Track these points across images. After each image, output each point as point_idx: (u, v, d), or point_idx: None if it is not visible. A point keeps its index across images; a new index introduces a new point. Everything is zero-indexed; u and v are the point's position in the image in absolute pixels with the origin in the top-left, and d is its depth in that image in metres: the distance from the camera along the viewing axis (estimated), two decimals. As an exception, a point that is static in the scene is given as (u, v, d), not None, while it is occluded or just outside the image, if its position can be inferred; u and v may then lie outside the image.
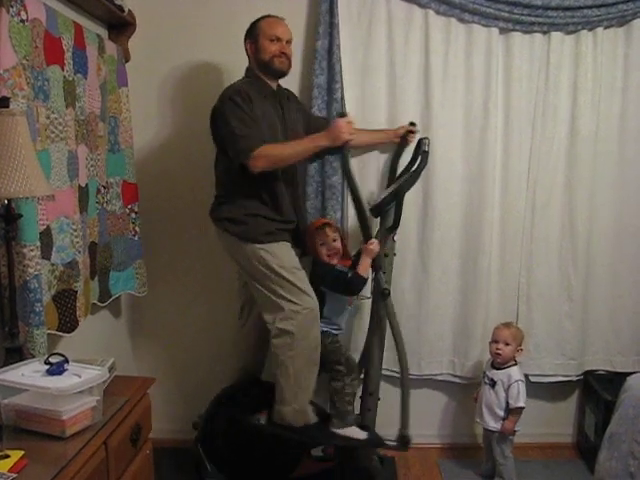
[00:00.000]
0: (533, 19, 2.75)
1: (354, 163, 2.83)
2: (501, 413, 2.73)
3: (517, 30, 2.79)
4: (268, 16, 2.47)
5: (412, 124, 2.74)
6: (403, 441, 2.56)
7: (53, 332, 2.01)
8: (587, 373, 3.04)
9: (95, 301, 2.44)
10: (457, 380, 3.03)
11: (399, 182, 2.60)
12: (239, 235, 2.41)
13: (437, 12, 2.76)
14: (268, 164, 2.30)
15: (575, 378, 3.04)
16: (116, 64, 2.63)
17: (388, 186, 2.75)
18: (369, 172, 2.86)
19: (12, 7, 1.77)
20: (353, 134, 2.35)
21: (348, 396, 2.50)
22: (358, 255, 2.53)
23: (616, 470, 2.36)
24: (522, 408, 2.71)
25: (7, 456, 1.42)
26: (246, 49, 2.49)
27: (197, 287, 3.03)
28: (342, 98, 2.75)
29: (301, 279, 2.42)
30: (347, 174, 2.45)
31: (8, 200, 1.70)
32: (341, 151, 2.41)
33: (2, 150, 1.61)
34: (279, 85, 2.55)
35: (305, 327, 2.39)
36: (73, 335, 2.12)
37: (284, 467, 2.65)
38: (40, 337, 1.85)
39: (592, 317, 3.00)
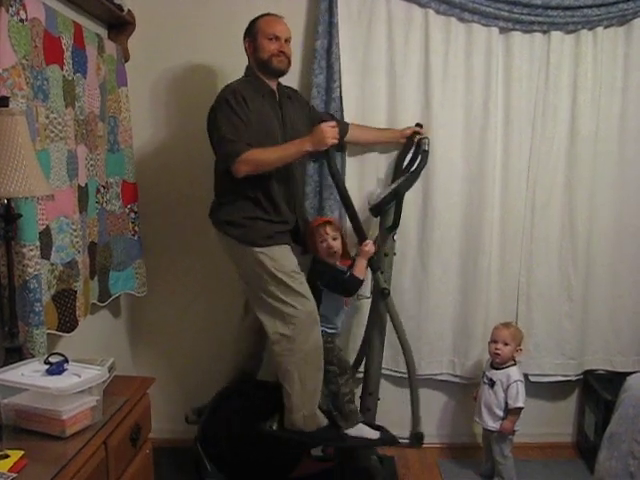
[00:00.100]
0: (533, 18, 2.75)
1: (354, 163, 2.84)
2: (500, 413, 2.73)
3: (517, 29, 2.79)
4: (267, 14, 2.46)
5: (419, 125, 2.74)
6: (417, 438, 2.57)
7: (53, 332, 2.01)
8: (587, 373, 3.04)
9: (95, 301, 2.44)
10: (457, 380, 3.03)
11: (399, 182, 2.60)
12: (238, 238, 2.40)
13: (437, 11, 2.76)
14: (251, 169, 2.30)
15: (575, 378, 3.04)
16: (115, 64, 2.63)
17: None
18: (368, 172, 2.86)
19: (11, 6, 1.77)
20: (336, 138, 2.35)
21: (346, 396, 2.50)
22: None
23: (616, 470, 2.36)
24: (521, 408, 2.70)
25: (7, 456, 1.42)
26: (245, 48, 2.48)
27: (197, 287, 3.03)
28: (340, 97, 2.75)
29: (300, 283, 2.41)
30: (334, 176, 2.45)
31: (8, 200, 1.70)
32: (326, 154, 2.41)
33: (1, 150, 1.61)
34: (279, 84, 2.54)
35: (305, 331, 2.38)
36: (73, 335, 2.12)
37: (284, 467, 2.65)
38: (40, 337, 1.85)
39: (592, 317, 3.00)
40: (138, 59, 2.83)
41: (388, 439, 2.54)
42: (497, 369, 2.76)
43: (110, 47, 2.58)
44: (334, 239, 2.51)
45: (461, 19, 2.78)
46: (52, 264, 1.99)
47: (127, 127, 2.73)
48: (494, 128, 2.85)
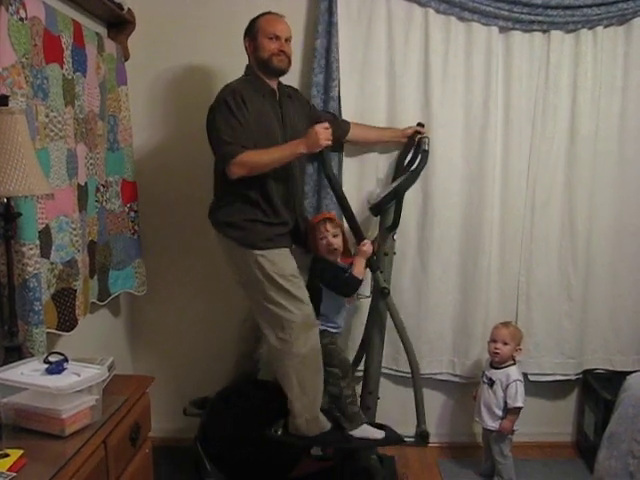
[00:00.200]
0: (533, 18, 2.75)
1: (353, 163, 2.84)
2: (499, 412, 2.72)
3: (517, 29, 2.79)
4: (267, 13, 2.45)
5: (420, 124, 2.74)
6: (422, 436, 2.57)
7: (52, 331, 2.01)
8: (586, 372, 3.04)
9: (94, 300, 2.44)
10: (457, 379, 3.03)
11: (399, 181, 2.59)
12: (238, 240, 2.40)
13: (437, 11, 2.76)
14: (245, 171, 2.30)
15: (574, 377, 3.05)
16: (115, 62, 2.63)
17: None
18: (367, 172, 2.86)
19: (11, 5, 1.77)
20: (330, 140, 2.34)
21: (349, 398, 2.49)
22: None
23: (615, 469, 2.36)
24: (520, 408, 2.70)
25: (6, 455, 1.42)
26: (245, 47, 2.47)
27: (196, 286, 3.03)
28: (339, 97, 2.75)
29: (298, 287, 2.41)
30: (329, 177, 2.44)
31: (7, 199, 1.70)
32: (320, 156, 2.41)
33: (1, 149, 1.61)
34: (280, 83, 2.53)
35: (302, 335, 2.38)
36: (72, 334, 2.12)
37: (284, 466, 2.65)
38: (39, 336, 1.85)
39: (592, 316, 3.00)
40: (138, 58, 2.82)
41: (393, 438, 2.54)
42: (496, 368, 2.76)
43: (110, 46, 2.58)
44: (334, 236, 2.50)
45: (461, 18, 2.77)
46: (52, 263, 1.99)
47: (127, 126, 2.73)
48: (494, 127, 2.84)
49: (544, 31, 2.80)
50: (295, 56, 2.61)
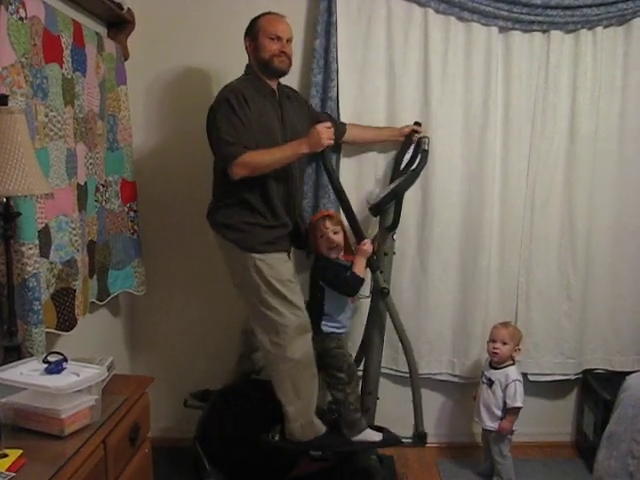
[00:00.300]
0: (532, 18, 2.75)
1: (352, 163, 2.84)
2: (499, 413, 2.72)
3: (517, 29, 2.79)
4: (269, 13, 2.44)
5: (417, 124, 2.74)
6: (420, 437, 2.57)
7: (52, 331, 2.00)
8: (586, 372, 3.04)
9: (94, 300, 2.44)
10: (456, 379, 3.03)
11: (398, 181, 2.59)
12: (237, 243, 2.39)
13: (437, 11, 2.76)
14: (247, 172, 2.29)
15: (574, 377, 3.05)
16: (115, 62, 2.63)
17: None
18: (366, 171, 2.86)
19: (11, 5, 1.77)
20: (332, 139, 2.34)
21: (352, 405, 2.48)
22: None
23: (615, 469, 2.36)
24: (519, 408, 2.70)
25: (5, 455, 1.41)
26: (246, 47, 2.46)
27: (196, 286, 3.03)
28: (337, 97, 2.75)
29: (294, 292, 2.41)
30: (330, 177, 2.44)
31: (7, 198, 1.70)
32: (322, 155, 2.40)
33: (1, 148, 1.60)
34: (279, 83, 2.52)
35: (296, 340, 2.38)
36: (71, 334, 2.12)
37: (283, 467, 2.65)
38: (38, 336, 1.84)
39: (591, 316, 3.00)
40: (137, 58, 2.82)
41: (391, 440, 2.54)
42: (495, 369, 2.76)
43: (110, 46, 2.58)
44: (334, 233, 2.49)
45: (460, 18, 2.77)
46: (51, 263, 1.99)
47: (126, 126, 2.73)
48: (494, 127, 2.85)
49: (544, 31, 2.80)
50: (294, 56, 2.59)
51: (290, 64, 2.47)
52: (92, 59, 2.34)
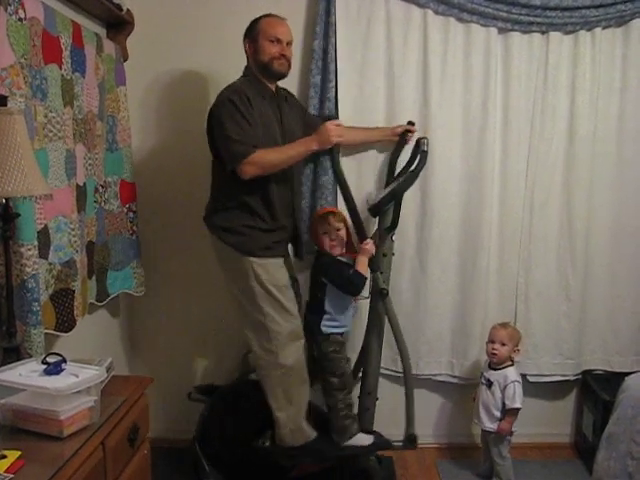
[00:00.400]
0: (532, 19, 2.75)
1: (351, 162, 2.84)
2: (497, 414, 2.72)
3: (516, 30, 2.79)
4: (269, 15, 2.42)
5: (411, 123, 2.74)
6: (410, 439, 2.56)
7: (50, 331, 2.00)
8: (585, 373, 3.05)
9: (93, 300, 2.44)
10: (455, 380, 3.03)
11: (397, 182, 2.59)
12: (235, 246, 2.38)
13: (436, 12, 2.76)
14: (258, 171, 2.27)
15: (573, 378, 3.05)
16: (114, 63, 2.63)
17: (387, 186, 2.75)
18: (366, 172, 2.86)
19: (10, 5, 1.77)
20: (341, 136, 2.33)
21: (343, 411, 2.48)
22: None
23: (614, 470, 2.37)
24: (518, 409, 2.70)
25: (4, 456, 1.41)
26: (245, 48, 2.46)
27: (195, 286, 3.03)
28: (336, 98, 2.74)
29: (289, 299, 2.41)
30: (338, 175, 2.44)
31: (6, 199, 1.70)
32: (331, 153, 2.40)
33: (0, 149, 1.60)
34: (277, 86, 2.52)
35: (287, 347, 2.38)
36: (70, 335, 2.11)
37: (283, 467, 2.64)
38: (37, 337, 1.84)
39: (590, 317, 3.00)
40: (137, 58, 2.82)
41: (382, 444, 2.54)
42: (494, 369, 2.75)
43: (109, 46, 2.58)
44: (337, 230, 2.48)
45: (460, 19, 2.78)
46: (50, 264, 1.99)
47: (125, 126, 2.73)
48: (493, 128, 2.85)
49: (543, 32, 2.80)
50: (294, 57, 2.60)
51: (289, 67, 2.46)
52: (91, 60, 2.34)
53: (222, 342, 3.01)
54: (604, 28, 2.80)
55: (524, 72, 2.83)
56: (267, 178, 2.35)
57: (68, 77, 2.14)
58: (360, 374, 2.71)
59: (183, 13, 2.84)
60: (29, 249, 1.82)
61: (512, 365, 2.76)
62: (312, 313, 2.50)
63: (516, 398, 2.69)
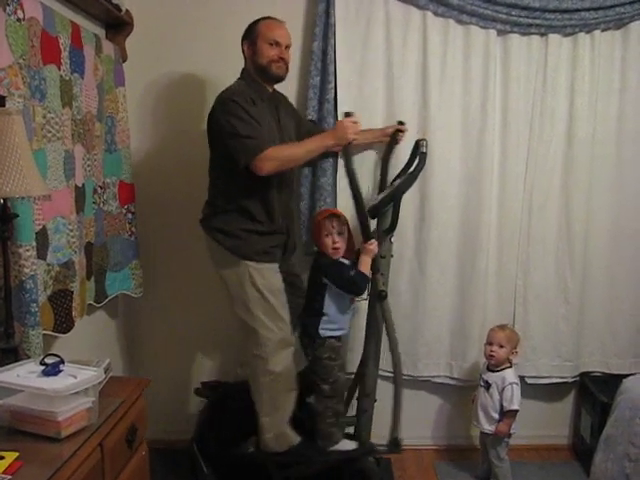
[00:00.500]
0: (531, 21, 2.76)
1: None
2: (496, 416, 2.72)
3: (515, 32, 2.80)
4: (268, 18, 2.41)
5: (401, 123, 2.73)
6: (394, 444, 2.55)
7: (49, 333, 2.00)
8: (583, 375, 3.05)
9: (91, 301, 2.43)
10: (454, 382, 3.03)
11: (396, 184, 2.59)
12: (232, 249, 2.37)
13: (435, 13, 2.76)
14: (277, 165, 2.24)
15: (571, 380, 3.05)
16: (113, 64, 2.62)
17: (380, 187, 2.74)
18: (365, 173, 2.85)
19: (8, 6, 1.76)
20: (358, 134, 2.32)
21: (330, 418, 2.47)
22: (357, 255, 2.51)
23: (612, 472, 2.37)
24: (516, 411, 2.70)
25: (2, 457, 1.41)
26: (243, 50, 2.45)
27: (194, 287, 3.02)
28: (335, 99, 2.74)
29: (282, 305, 2.41)
30: (349, 174, 2.41)
31: (4, 200, 1.70)
32: (344, 151, 2.38)
33: (-2, 149, 1.60)
34: (274, 89, 2.52)
35: (277, 353, 2.38)
36: (69, 336, 2.11)
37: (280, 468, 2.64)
38: (36, 338, 1.84)
39: (588, 319, 3.00)
40: (136, 59, 2.82)
41: (366, 449, 2.54)
42: (493, 372, 2.75)
43: (108, 47, 2.58)
44: (339, 233, 2.46)
45: (459, 21, 2.78)
46: (48, 264, 1.99)
47: (124, 127, 2.73)
48: (492, 130, 2.85)
49: (542, 34, 2.81)
50: (293, 58, 2.60)
51: (287, 70, 2.45)
52: (90, 60, 2.34)
53: (220, 343, 3.01)
54: (603, 30, 2.81)
55: (523, 74, 2.83)
56: (267, 181, 2.34)
57: (67, 78, 2.13)
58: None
59: (182, 14, 2.84)
60: (27, 250, 1.82)
61: (510, 367, 2.76)
62: (309, 315, 2.49)
63: (514, 400, 2.69)
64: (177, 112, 2.91)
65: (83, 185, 2.29)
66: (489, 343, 2.75)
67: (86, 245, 2.33)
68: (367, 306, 2.63)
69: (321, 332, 2.46)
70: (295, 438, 2.47)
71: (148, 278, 2.89)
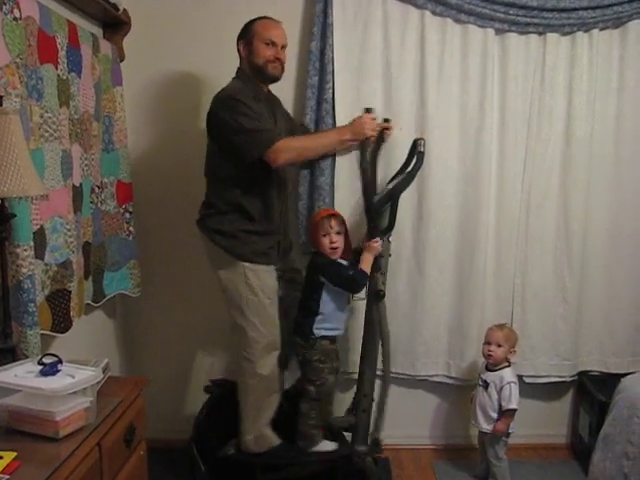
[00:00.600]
0: (529, 20, 2.75)
1: (346, 163, 2.81)
2: (494, 415, 2.72)
3: (513, 31, 2.79)
4: (264, 18, 2.40)
5: (386, 120, 2.72)
6: (375, 444, 2.55)
7: (47, 332, 2.00)
8: (581, 374, 3.05)
9: (89, 301, 2.43)
10: (452, 382, 3.03)
11: (394, 183, 2.59)
12: (229, 250, 2.37)
13: (433, 13, 2.76)
14: (292, 156, 2.23)
15: (569, 379, 3.05)
16: (110, 63, 2.62)
17: (364, 186, 2.72)
18: (356, 171, 2.84)
19: (5, 5, 1.76)
20: (376, 130, 2.30)
21: (312, 420, 2.48)
22: (355, 254, 2.51)
23: (610, 471, 2.37)
24: (514, 410, 2.70)
25: (0, 457, 1.40)
26: (238, 50, 2.43)
27: (192, 287, 3.02)
28: (333, 99, 2.74)
29: (274, 308, 2.42)
30: (364, 171, 2.40)
31: (1, 199, 1.69)
32: (361, 146, 2.37)
33: (-5, 149, 1.60)
34: (269, 90, 2.51)
35: (264, 356, 2.39)
36: (67, 335, 2.11)
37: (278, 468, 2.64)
38: (33, 337, 1.84)
39: (586, 318, 3.00)
40: (133, 59, 2.82)
41: (346, 451, 2.54)
42: (491, 371, 2.75)
43: (105, 47, 2.57)
44: (337, 234, 2.46)
45: (457, 20, 2.78)
46: (46, 264, 1.98)
47: (122, 127, 2.72)
48: (489, 129, 2.85)
49: (540, 33, 2.81)
50: (291, 58, 2.60)
51: (283, 71, 2.44)
52: (87, 60, 2.34)
53: (219, 342, 3.00)
54: (601, 29, 2.81)
55: (521, 73, 2.83)
56: (267, 181, 2.34)
57: (64, 77, 2.13)
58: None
59: (180, 13, 2.84)
60: (25, 250, 1.82)
61: (508, 366, 2.76)
62: (304, 316, 2.49)
63: (512, 399, 2.69)
64: (175, 112, 2.91)
65: (81, 185, 2.29)
66: (487, 342, 2.76)
67: (84, 245, 2.33)
68: (365, 306, 2.63)
69: (315, 331, 2.45)
70: (275, 440, 2.48)
71: (146, 278, 2.89)
